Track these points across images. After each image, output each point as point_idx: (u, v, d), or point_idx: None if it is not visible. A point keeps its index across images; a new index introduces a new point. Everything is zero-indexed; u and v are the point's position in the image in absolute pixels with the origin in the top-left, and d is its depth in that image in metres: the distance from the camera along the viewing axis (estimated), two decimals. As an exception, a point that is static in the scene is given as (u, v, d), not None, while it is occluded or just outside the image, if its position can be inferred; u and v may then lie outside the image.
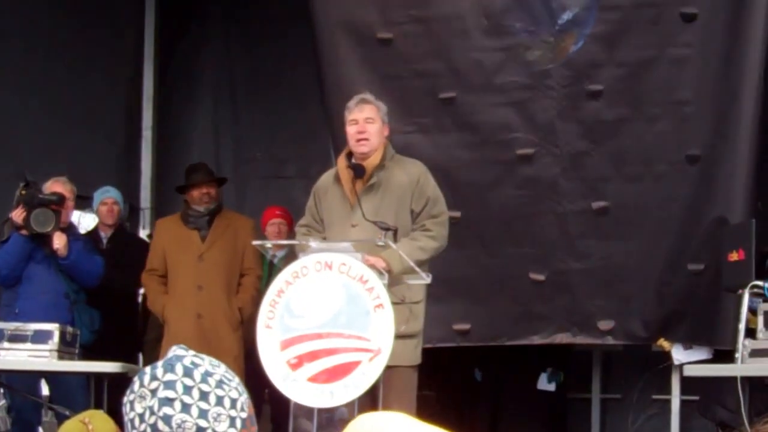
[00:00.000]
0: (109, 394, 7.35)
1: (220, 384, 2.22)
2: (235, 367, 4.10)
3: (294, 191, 9.41)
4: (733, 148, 7.49)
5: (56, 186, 7.89)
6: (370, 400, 6.23)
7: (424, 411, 6.01)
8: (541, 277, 7.87)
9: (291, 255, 7.13)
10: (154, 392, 2.20)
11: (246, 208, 9.63)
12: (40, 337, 7.34)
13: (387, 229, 6.36)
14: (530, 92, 7.81)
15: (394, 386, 6.38)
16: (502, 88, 7.84)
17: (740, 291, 6.58)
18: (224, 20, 10.60)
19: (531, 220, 7.88)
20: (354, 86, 7.60)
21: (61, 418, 7.31)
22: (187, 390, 2.20)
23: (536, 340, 7.98)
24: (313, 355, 6.22)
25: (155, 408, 2.19)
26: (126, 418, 2.23)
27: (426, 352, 6.81)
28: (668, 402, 8.25)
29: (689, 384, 7.77)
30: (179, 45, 10.65)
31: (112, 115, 10.29)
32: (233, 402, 2.22)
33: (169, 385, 2.19)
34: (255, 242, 7.07)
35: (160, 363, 2.23)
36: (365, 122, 6.71)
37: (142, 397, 2.20)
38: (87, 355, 7.71)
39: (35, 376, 7.85)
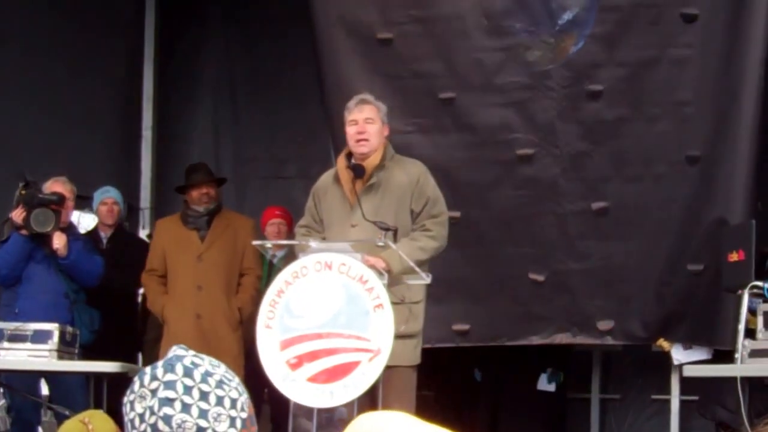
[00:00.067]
0: (108, 394, 7.34)
1: (220, 384, 2.22)
2: (234, 367, 4.10)
3: (294, 191, 9.41)
4: (733, 148, 7.48)
5: (56, 186, 7.89)
6: (369, 400, 6.23)
7: (424, 411, 5.98)
8: (540, 278, 7.86)
9: (291, 255, 7.13)
10: (154, 392, 2.19)
11: (246, 208, 9.62)
12: (40, 337, 7.34)
13: (387, 230, 6.36)
14: (530, 92, 7.80)
15: (394, 386, 6.37)
16: (502, 89, 7.84)
17: (740, 291, 6.58)
18: (224, 20, 10.59)
19: (531, 220, 7.87)
20: (354, 86, 7.60)
21: (60, 418, 7.31)
22: (188, 390, 2.20)
23: (536, 340, 7.97)
24: (313, 355, 6.22)
25: (155, 408, 2.19)
26: (126, 418, 2.23)
27: (425, 352, 6.81)
28: (668, 402, 8.24)
29: (689, 384, 7.76)
30: (179, 45, 10.64)
31: (112, 116, 10.28)
32: (233, 402, 2.22)
33: (170, 385, 2.19)
34: (255, 242, 7.07)
35: (160, 363, 2.23)
36: (365, 122, 6.71)
37: (143, 397, 2.20)
38: (87, 355, 7.71)
39: (35, 375, 7.85)
